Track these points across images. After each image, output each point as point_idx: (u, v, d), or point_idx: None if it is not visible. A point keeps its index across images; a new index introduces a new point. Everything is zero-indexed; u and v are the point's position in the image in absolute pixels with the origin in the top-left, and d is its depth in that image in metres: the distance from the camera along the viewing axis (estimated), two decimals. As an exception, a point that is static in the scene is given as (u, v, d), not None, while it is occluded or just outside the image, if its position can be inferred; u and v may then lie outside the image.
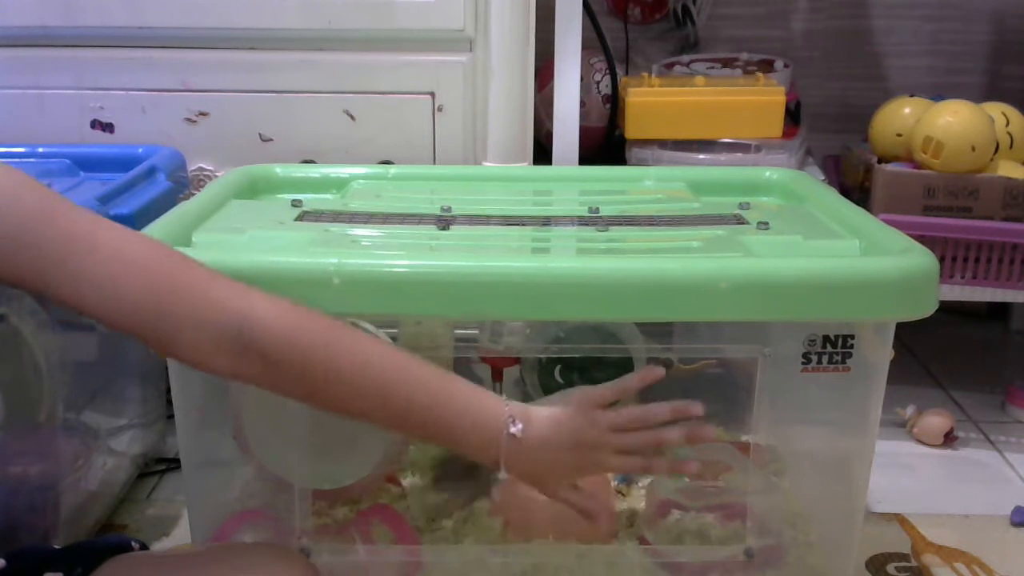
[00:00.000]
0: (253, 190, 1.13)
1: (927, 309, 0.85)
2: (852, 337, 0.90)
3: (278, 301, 0.73)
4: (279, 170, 1.16)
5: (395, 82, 1.31)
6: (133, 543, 0.83)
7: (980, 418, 1.46)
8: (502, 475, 0.77)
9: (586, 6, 1.37)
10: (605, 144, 1.53)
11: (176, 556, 0.81)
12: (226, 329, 0.71)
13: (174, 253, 0.75)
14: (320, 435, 0.95)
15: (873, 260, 0.87)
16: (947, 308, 0.97)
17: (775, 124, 1.38)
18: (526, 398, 1.29)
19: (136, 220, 1.04)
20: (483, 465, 0.79)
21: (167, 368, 0.90)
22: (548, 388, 1.21)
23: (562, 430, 0.78)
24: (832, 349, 0.90)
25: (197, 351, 0.72)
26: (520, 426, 0.76)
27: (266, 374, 0.73)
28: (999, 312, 1.80)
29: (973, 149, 1.28)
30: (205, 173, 1.34)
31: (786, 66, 1.56)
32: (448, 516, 1.04)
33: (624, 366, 1.19)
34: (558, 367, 1.20)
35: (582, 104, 1.38)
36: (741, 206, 1.08)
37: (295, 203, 1.06)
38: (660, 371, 0.83)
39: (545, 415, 0.78)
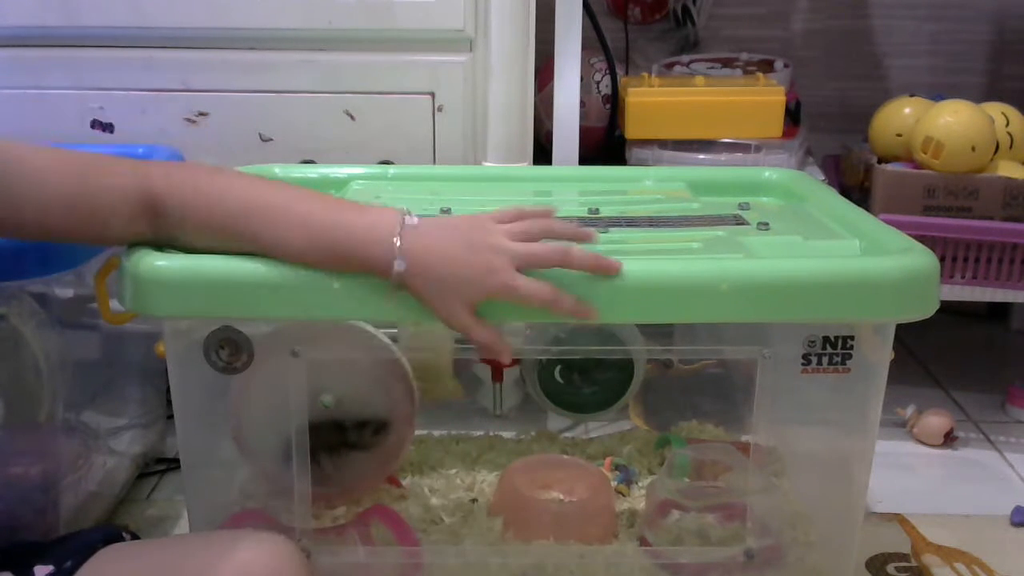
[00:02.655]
0: (253, 190, 1.13)
1: (928, 310, 0.85)
2: (852, 338, 0.90)
3: (169, 164, 0.81)
4: (278, 170, 1.16)
5: (395, 82, 1.31)
6: (124, 534, 0.83)
7: (980, 418, 1.46)
8: (397, 267, 0.76)
9: (586, 6, 1.37)
10: (605, 144, 1.53)
11: (165, 543, 0.81)
12: (135, 191, 0.78)
13: (74, 151, 0.80)
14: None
15: (873, 260, 0.87)
16: (947, 308, 0.96)
17: (775, 124, 1.38)
18: (526, 399, 1.29)
19: (136, 220, 1.04)
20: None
21: (167, 368, 0.90)
22: (548, 388, 1.21)
23: (455, 228, 0.78)
24: (832, 350, 0.90)
25: (122, 220, 0.78)
26: (416, 219, 0.77)
27: (177, 228, 0.79)
28: (999, 312, 1.80)
29: (973, 149, 1.28)
30: (205, 173, 1.33)
31: (786, 66, 1.56)
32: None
33: (624, 367, 1.19)
34: (558, 367, 1.20)
35: (582, 104, 1.38)
36: (741, 206, 1.08)
37: (295, 203, 1.05)
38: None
39: (437, 221, 0.80)
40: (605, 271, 0.79)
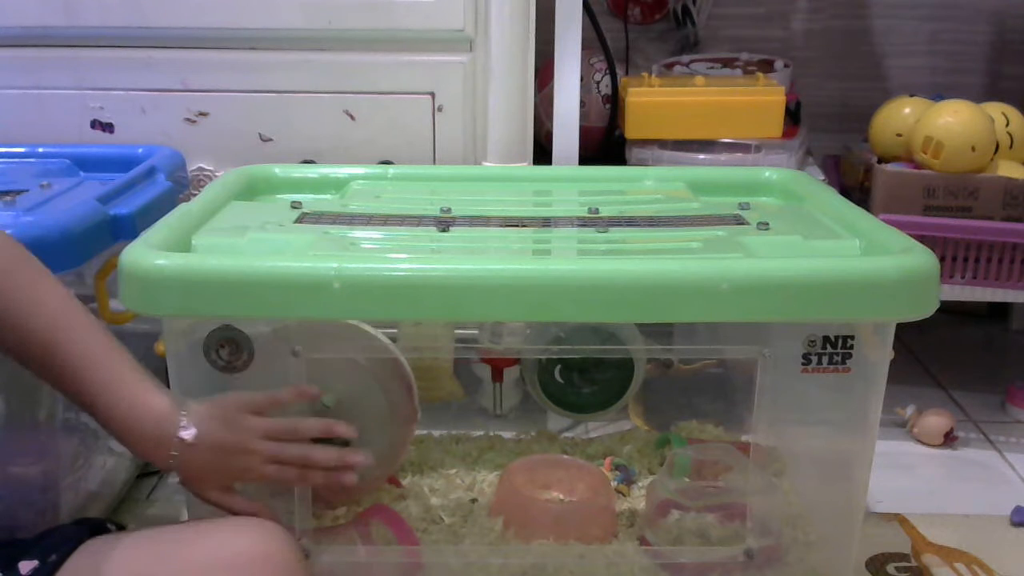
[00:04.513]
0: (252, 190, 1.13)
1: (928, 309, 0.85)
2: (852, 338, 0.90)
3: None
4: (278, 170, 1.16)
5: (395, 82, 1.31)
6: (109, 525, 0.82)
7: (980, 418, 1.46)
8: (174, 477, 0.79)
9: (586, 6, 1.37)
10: (605, 144, 1.53)
11: (151, 533, 0.80)
12: None
13: None
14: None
15: (873, 260, 0.87)
16: (947, 308, 0.97)
17: (775, 124, 1.38)
18: (526, 398, 1.29)
19: (136, 220, 1.04)
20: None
21: (167, 368, 0.90)
22: (548, 388, 1.21)
23: (204, 432, 0.78)
24: (832, 349, 0.90)
25: None
26: (193, 431, 0.77)
27: None
28: (999, 312, 1.80)
29: (973, 149, 1.28)
30: (205, 173, 1.34)
31: (786, 66, 1.56)
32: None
33: (624, 366, 1.19)
34: (558, 367, 1.20)
35: (582, 104, 1.38)
36: (741, 206, 1.08)
37: (295, 204, 1.06)
38: (312, 391, 0.86)
39: (196, 414, 0.79)
40: (344, 471, 0.83)
